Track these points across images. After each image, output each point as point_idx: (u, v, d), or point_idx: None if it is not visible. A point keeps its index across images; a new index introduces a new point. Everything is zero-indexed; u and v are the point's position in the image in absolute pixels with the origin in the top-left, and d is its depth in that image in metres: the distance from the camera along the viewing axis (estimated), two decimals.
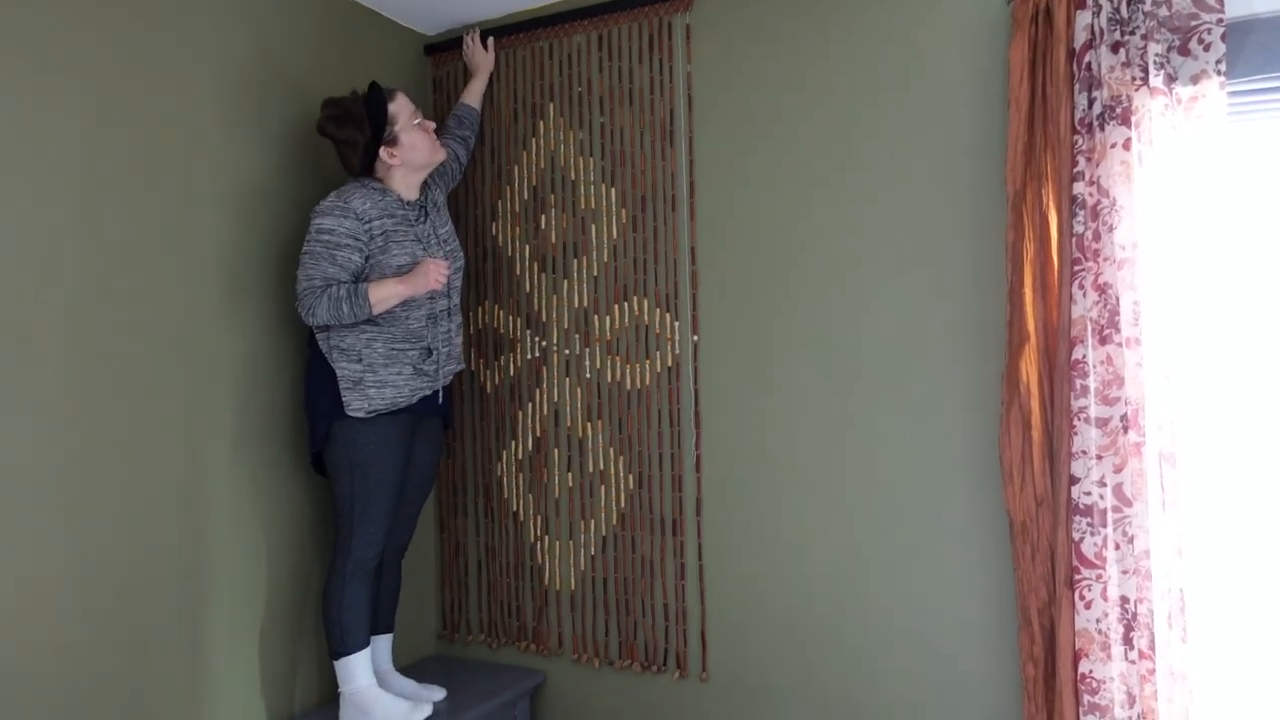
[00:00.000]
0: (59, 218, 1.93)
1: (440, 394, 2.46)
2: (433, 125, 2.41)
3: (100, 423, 2.01)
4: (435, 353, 2.38)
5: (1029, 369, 2.04)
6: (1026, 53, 2.04)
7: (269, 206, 2.43)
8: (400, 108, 2.33)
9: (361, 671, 2.31)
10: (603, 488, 2.69)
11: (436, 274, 2.27)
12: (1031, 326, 2.04)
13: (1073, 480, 1.94)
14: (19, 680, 1.83)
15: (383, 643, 2.51)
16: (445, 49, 2.96)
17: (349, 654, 2.31)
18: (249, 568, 2.37)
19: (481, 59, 2.81)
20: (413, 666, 2.80)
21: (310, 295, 2.23)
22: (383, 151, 2.32)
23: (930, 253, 2.24)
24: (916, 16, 2.26)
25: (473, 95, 2.79)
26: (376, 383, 2.29)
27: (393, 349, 2.31)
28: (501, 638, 2.87)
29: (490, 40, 2.82)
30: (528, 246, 2.80)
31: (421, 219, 2.40)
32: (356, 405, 2.27)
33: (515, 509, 2.83)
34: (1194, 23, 1.91)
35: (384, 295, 2.23)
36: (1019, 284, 2.05)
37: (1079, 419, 1.93)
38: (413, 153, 2.34)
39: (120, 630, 2.04)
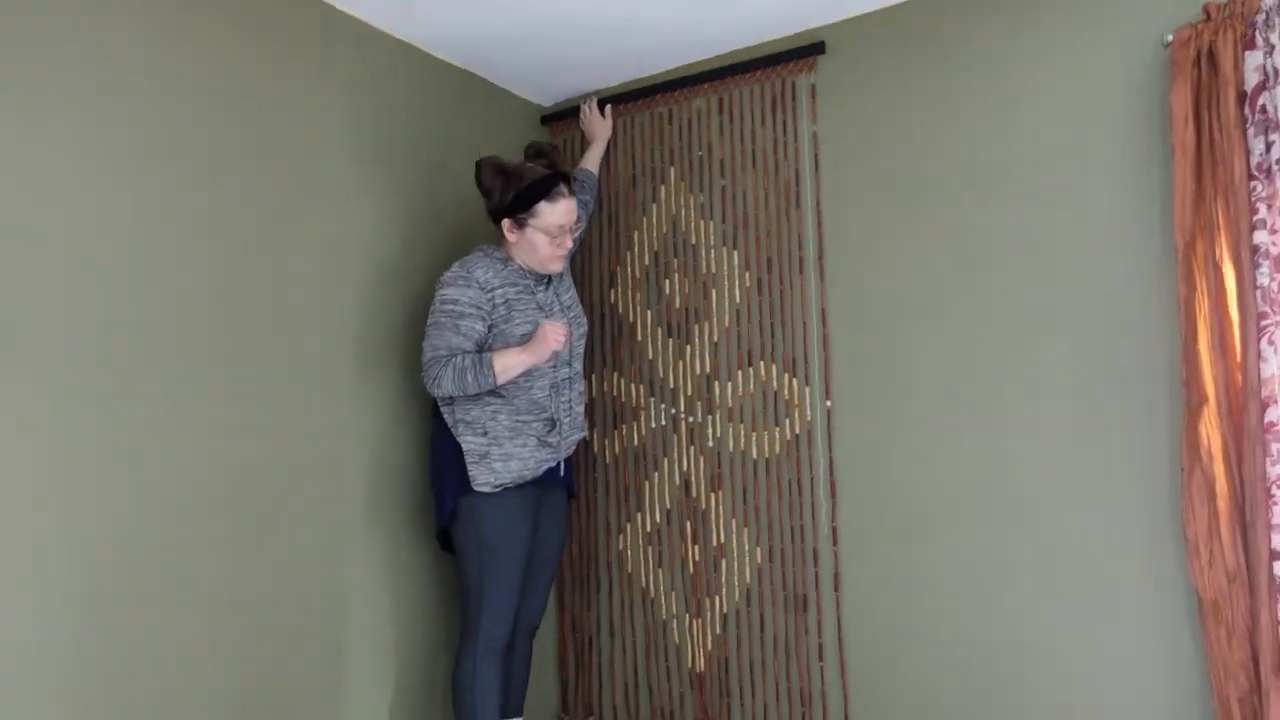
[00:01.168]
0: (201, 290, 1.97)
1: (562, 465, 2.39)
2: (567, 247, 2.32)
3: (242, 497, 2.01)
4: (558, 424, 2.33)
5: (1210, 432, 1.89)
6: (1190, 97, 1.93)
7: (397, 278, 2.45)
8: (549, 213, 2.25)
9: None
10: (724, 562, 2.58)
11: (555, 335, 2.22)
12: (1210, 387, 1.89)
13: (1275, 555, 1.76)
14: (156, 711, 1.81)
15: None
16: (561, 118, 2.99)
17: None
18: (380, 647, 2.32)
19: (599, 126, 2.83)
20: None
21: (435, 365, 2.21)
22: (506, 222, 2.30)
23: (1089, 310, 2.12)
24: (1063, 64, 2.18)
25: (591, 161, 2.80)
26: (502, 456, 2.25)
27: (517, 421, 2.27)
28: (620, 717, 2.74)
29: (608, 108, 2.84)
30: (650, 312, 2.76)
31: (544, 287, 2.38)
32: (483, 480, 2.23)
33: (644, 584, 2.72)
34: None
35: (508, 365, 2.20)
36: (1193, 341, 1.91)
37: (1278, 487, 1.75)
38: (529, 250, 2.29)
39: (252, 689, 2.01)
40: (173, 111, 1.94)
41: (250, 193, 2.09)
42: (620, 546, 2.77)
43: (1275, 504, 1.76)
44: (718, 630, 2.58)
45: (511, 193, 2.26)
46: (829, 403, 2.45)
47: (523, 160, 2.32)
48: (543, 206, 2.26)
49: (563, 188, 2.28)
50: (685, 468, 2.66)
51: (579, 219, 2.40)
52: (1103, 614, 2.06)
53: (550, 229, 2.26)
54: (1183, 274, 1.93)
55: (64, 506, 1.71)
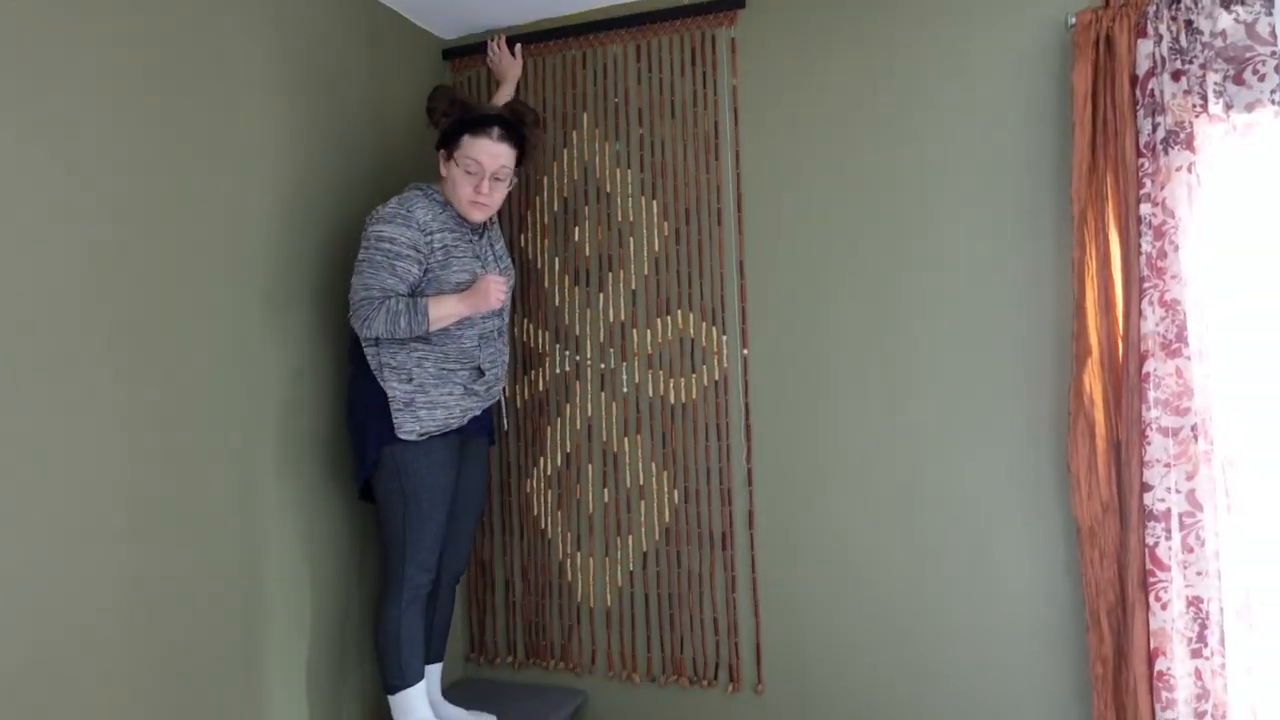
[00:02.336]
0: (104, 230, 1.79)
1: (487, 413, 2.39)
2: (486, 196, 2.21)
3: (151, 430, 1.88)
4: (486, 373, 2.31)
5: (1093, 382, 2.13)
6: (1089, 77, 2.13)
7: (304, 212, 2.30)
8: (471, 147, 2.17)
9: (419, 705, 2.23)
10: (642, 503, 2.67)
11: (497, 292, 2.19)
12: (1095, 340, 2.13)
13: (1145, 488, 2.03)
14: (69, 684, 1.69)
15: (434, 672, 2.42)
16: (464, 54, 2.87)
17: (407, 687, 2.22)
18: (296, 594, 2.25)
19: (509, 65, 2.74)
20: (446, 691, 2.71)
21: (367, 305, 2.13)
22: (440, 153, 2.24)
23: (991, 267, 2.31)
24: (972, 37, 2.33)
25: (501, 102, 2.72)
26: (428, 403, 2.21)
27: (443, 368, 2.23)
28: (532, 658, 2.80)
29: (518, 47, 2.76)
30: (557, 259, 2.75)
31: (479, 236, 2.32)
32: (409, 428, 2.18)
33: (543, 526, 2.77)
34: (1248, 54, 2.03)
35: (444, 313, 2.16)
36: (1082, 300, 2.14)
37: (1151, 429, 2.02)
38: (453, 185, 2.22)
39: (173, 647, 1.92)
40: (63, 33, 1.72)
41: (150, 124, 1.89)
42: (526, 490, 2.80)
43: (1148, 444, 2.03)
44: (631, 568, 2.67)
45: (450, 119, 2.22)
46: (745, 351, 2.56)
47: (463, 96, 2.27)
48: (466, 140, 2.19)
49: (495, 130, 2.21)
50: (589, 413, 2.71)
51: (506, 175, 2.26)
52: (995, 541, 2.31)
53: (468, 164, 2.19)
54: (1076, 239, 2.14)
55: None
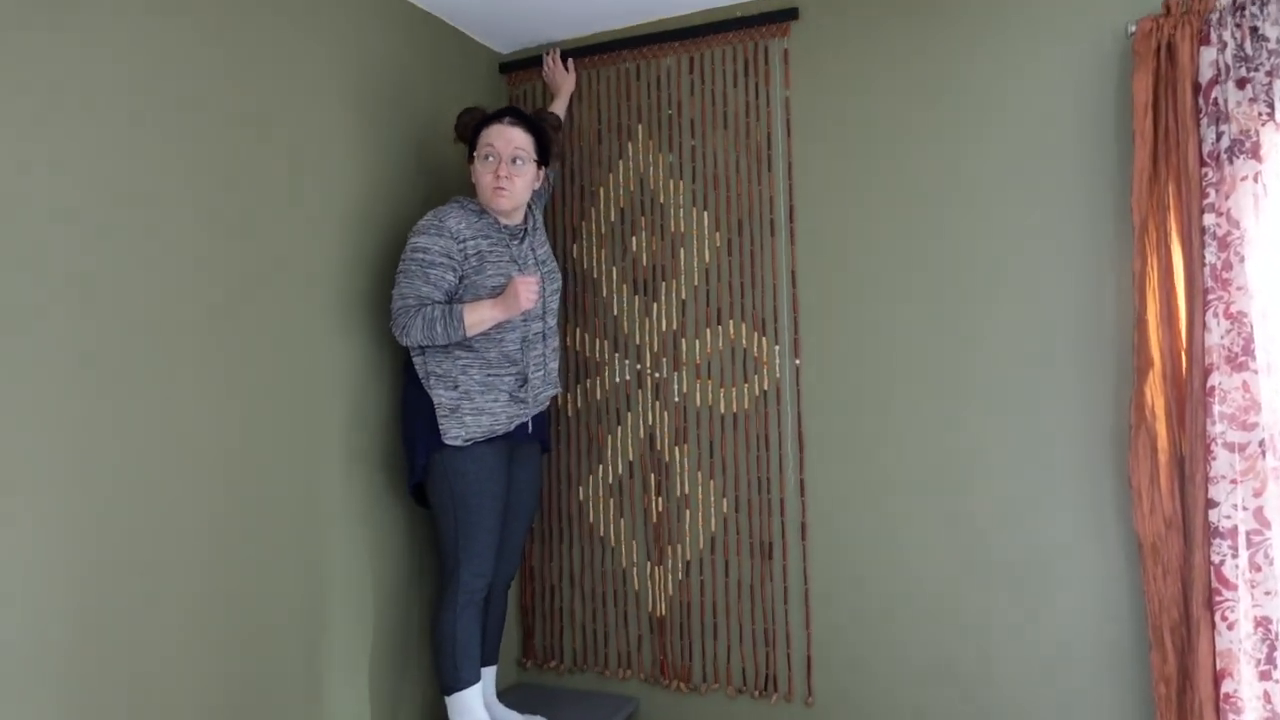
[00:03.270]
0: (173, 240, 1.86)
1: (530, 422, 2.41)
2: (506, 180, 2.24)
3: (223, 436, 1.95)
4: (529, 379, 2.34)
5: (1155, 395, 2.09)
6: (1150, 85, 2.09)
7: (371, 224, 2.38)
8: (485, 136, 2.27)
9: (475, 707, 2.27)
10: (687, 511, 2.68)
11: (527, 292, 2.19)
12: (1156, 353, 2.09)
13: (1210, 504, 1.99)
14: (137, 684, 1.76)
15: (488, 675, 2.47)
16: (520, 67, 2.93)
17: (461, 689, 2.26)
18: (359, 596, 2.31)
19: (563, 79, 2.79)
20: (498, 695, 2.75)
21: (404, 314, 2.19)
22: (469, 160, 2.33)
23: (1049, 279, 2.28)
24: (1030, 46, 2.30)
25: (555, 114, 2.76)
26: (473, 410, 2.25)
27: (489, 375, 2.27)
28: (584, 664, 2.83)
29: (570, 61, 2.80)
30: (615, 269, 2.78)
31: (519, 240, 2.37)
32: (454, 434, 2.23)
33: (604, 534, 2.80)
34: None
35: (479, 318, 2.19)
36: (1144, 312, 2.10)
37: (1216, 444, 1.98)
38: (476, 182, 2.30)
39: (235, 646, 1.97)
40: (144, 59, 1.80)
41: (223, 140, 1.97)
42: (581, 498, 2.82)
43: (1213, 459, 1.98)
44: (680, 577, 2.69)
45: (469, 129, 2.31)
46: (798, 361, 2.56)
47: (477, 109, 2.36)
48: (482, 133, 2.28)
49: (505, 117, 2.29)
50: (650, 422, 2.73)
51: (525, 159, 2.27)
52: (1054, 558, 2.27)
53: (485, 150, 2.26)
54: (1137, 249, 2.10)
55: (39, 460, 1.62)
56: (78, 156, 1.68)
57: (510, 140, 2.27)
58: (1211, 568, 1.98)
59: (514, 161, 2.27)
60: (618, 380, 2.77)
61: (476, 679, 2.28)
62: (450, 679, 2.26)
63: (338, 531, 2.25)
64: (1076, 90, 2.26)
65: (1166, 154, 2.09)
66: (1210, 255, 2.01)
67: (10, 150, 1.57)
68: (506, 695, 2.76)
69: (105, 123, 1.73)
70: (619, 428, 2.77)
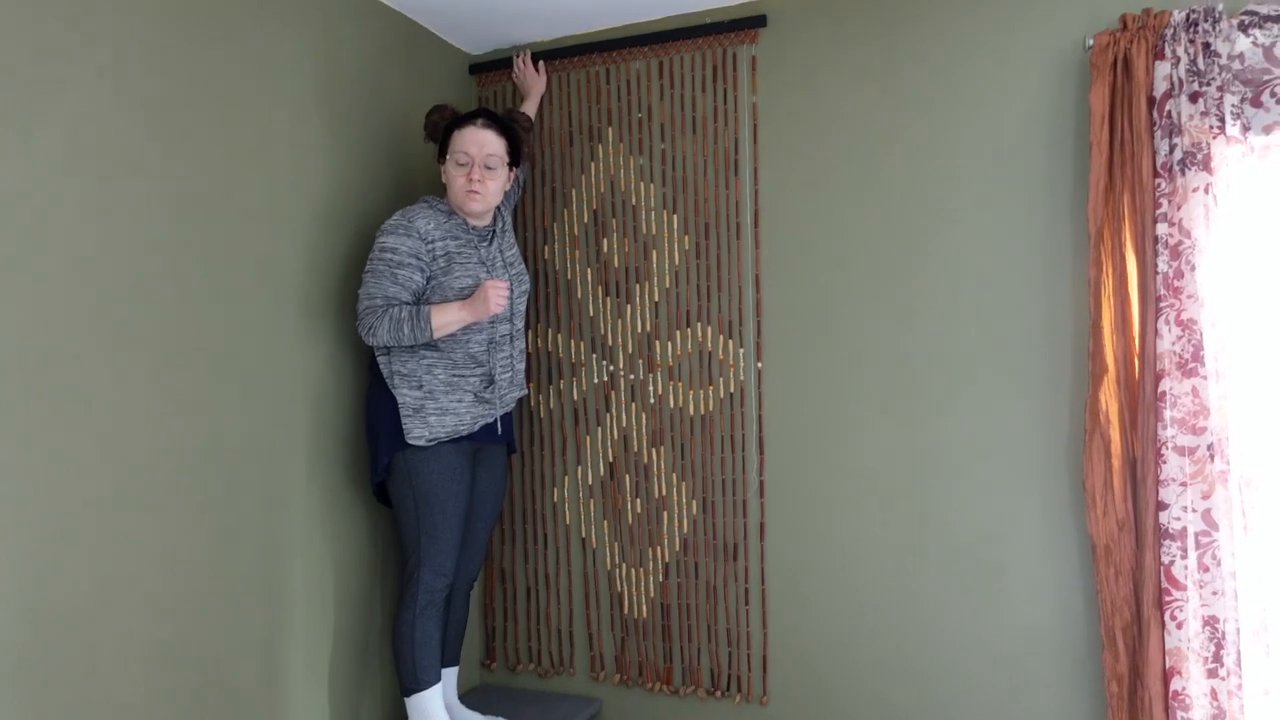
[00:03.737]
0: (139, 237, 1.85)
1: (499, 422, 2.41)
2: (479, 183, 2.26)
3: (183, 433, 1.93)
4: (495, 380, 2.34)
5: (1109, 400, 2.14)
6: (1107, 98, 2.14)
7: (338, 223, 2.37)
8: (458, 139, 2.27)
9: (435, 708, 2.26)
10: (665, 514, 2.70)
11: (497, 297, 2.20)
12: (1111, 359, 2.14)
13: (1161, 506, 2.04)
14: (91, 681, 1.74)
15: (449, 676, 2.46)
16: (491, 69, 2.93)
17: (422, 690, 2.25)
18: (320, 595, 2.30)
19: (533, 81, 2.80)
20: (460, 697, 2.74)
21: (371, 314, 2.19)
22: (439, 160, 2.33)
23: (1006, 286, 2.33)
24: (991, 57, 2.35)
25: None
26: (437, 410, 2.25)
27: (453, 375, 2.27)
28: (558, 667, 2.83)
29: (541, 63, 2.81)
30: (590, 270, 2.79)
31: (487, 242, 2.37)
32: (418, 433, 2.23)
33: (585, 535, 2.80)
34: (1265, 77, 2.04)
35: (446, 320, 2.20)
36: (1099, 318, 2.15)
37: (1166, 448, 2.03)
38: (448, 184, 2.31)
39: (196, 644, 1.96)
40: (108, 55, 1.78)
41: (189, 137, 1.96)
42: (555, 499, 2.83)
43: (1163, 463, 2.04)
44: (659, 579, 2.70)
45: (440, 129, 2.32)
46: (760, 364, 2.59)
47: (447, 107, 2.37)
48: (455, 135, 2.29)
49: (479, 119, 2.29)
50: (625, 423, 2.74)
51: (498, 163, 2.29)
52: (1009, 558, 2.32)
53: (458, 156, 2.26)
54: (1092, 258, 2.15)
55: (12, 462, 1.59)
56: (40, 150, 1.66)
57: (483, 144, 2.27)
58: (1161, 568, 2.03)
59: (487, 166, 2.28)
60: (595, 381, 2.78)
61: (437, 680, 2.27)
62: (410, 680, 2.25)
63: (299, 532, 2.24)
64: (1036, 101, 2.31)
65: (1122, 165, 2.14)
66: (1162, 264, 2.06)
67: None
68: (469, 697, 2.76)
69: (67, 119, 1.71)
70: (597, 429, 2.78)
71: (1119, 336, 2.14)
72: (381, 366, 2.26)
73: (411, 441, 2.22)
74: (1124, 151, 2.14)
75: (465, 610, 2.50)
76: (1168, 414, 2.03)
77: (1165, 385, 2.04)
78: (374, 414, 2.29)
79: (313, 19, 2.31)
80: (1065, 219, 2.28)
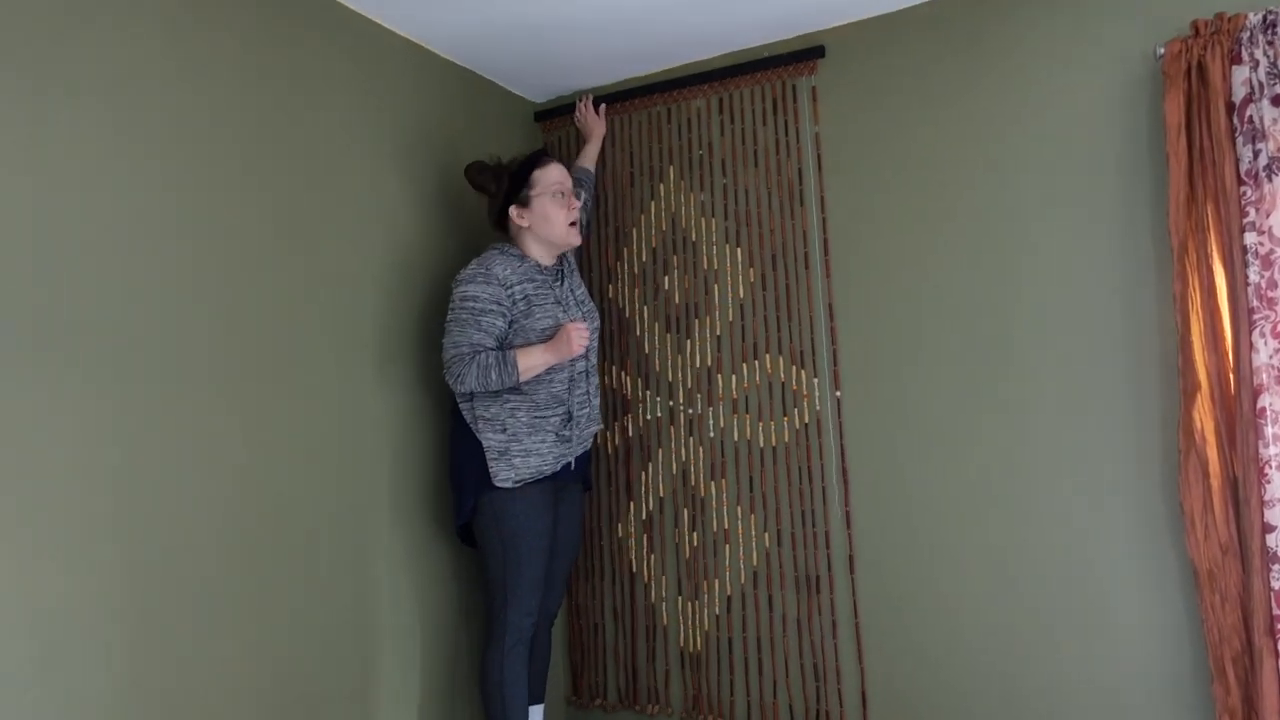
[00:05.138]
0: (229, 293, 1.94)
1: (574, 461, 2.43)
2: (576, 209, 2.39)
3: (272, 483, 2.00)
4: (574, 418, 2.37)
5: (1203, 418, 2.06)
6: (1182, 106, 2.08)
7: (412, 276, 2.45)
8: (545, 175, 2.35)
9: None
10: (727, 546, 2.67)
11: (579, 338, 2.26)
12: (1203, 376, 2.06)
13: (1268, 528, 1.94)
14: None
15: (535, 713, 2.47)
16: (555, 115, 3.00)
17: None
18: (408, 637, 2.35)
19: (594, 124, 2.85)
20: None
21: (458, 363, 2.23)
22: (512, 211, 2.35)
23: (1088, 304, 2.26)
24: (1058, 74, 2.31)
25: (587, 159, 2.82)
26: (522, 451, 2.28)
27: (535, 417, 2.30)
28: (628, 701, 2.82)
29: (603, 106, 2.87)
30: (647, 308, 2.82)
31: (559, 281, 2.42)
32: (504, 476, 2.26)
33: (636, 570, 2.80)
34: None
35: (532, 364, 2.24)
36: (1187, 334, 2.07)
37: (1270, 466, 1.93)
38: (543, 222, 2.35)
39: (292, 688, 2.01)
40: (189, 114, 1.89)
41: (267, 194, 2.06)
42: (620, 534, 2.83)
43: (1267, 482, 1.94)
44: (718, 611, 2.67)
45: (506, 178, 2.36)
46: (839, 393, 2.56)
47: (492, 159, 2.42)
48: (537, 174, 2.34)
49: (547, 156, 2.38)
50: (683, 458, 2.74)
51: (580, 198, 2.48)
52: (1108, 587, 2.22)
53: (552, 188, 2.33)
54: (1177, 271, 2.08)
55: (92, 513, 1.67)
56: (136, 208, 1.77)
57: (564, 173, 2.39)
58: (1272, 594, 1.92)
59: (574, 197, 2.40)
60: (649, 417, 2.79)
61: (524, 718, 2.28)
62: (499, 718, 2.27)
63: (385, 576, 2.29)
64: (1108, 115, 2.25)
65: (1203, 174, 2.07)
66: (1253, 274, 1.98)
67: (84, 200, 1.66)
68: None
69: (165, 171, 1.82)
70: (649, 464, 2.79)
71: (1210, 352, 2.06)
72: (464, 412, 2.30)
73: (498, 484, 2.25)
74: (1204, 160, 2.07)
75: (548, 647, 2.52)
76: (1269, 430, 1.94)
77: (1264, 400, 1.95)
78: (459, 457, 2.33)
79: (385, 79, 2.41)
80: (1145, 233, 2.21)
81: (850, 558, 2.53)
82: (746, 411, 2.67)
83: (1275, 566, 1.92)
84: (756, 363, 2.66)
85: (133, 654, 1.70)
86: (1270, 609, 1.93)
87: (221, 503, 1.89)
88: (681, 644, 2.72)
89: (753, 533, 2.65)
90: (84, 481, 1.65)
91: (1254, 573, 1.96)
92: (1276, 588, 1.92)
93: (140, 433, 1.74)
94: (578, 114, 2.89)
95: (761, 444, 2.65)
